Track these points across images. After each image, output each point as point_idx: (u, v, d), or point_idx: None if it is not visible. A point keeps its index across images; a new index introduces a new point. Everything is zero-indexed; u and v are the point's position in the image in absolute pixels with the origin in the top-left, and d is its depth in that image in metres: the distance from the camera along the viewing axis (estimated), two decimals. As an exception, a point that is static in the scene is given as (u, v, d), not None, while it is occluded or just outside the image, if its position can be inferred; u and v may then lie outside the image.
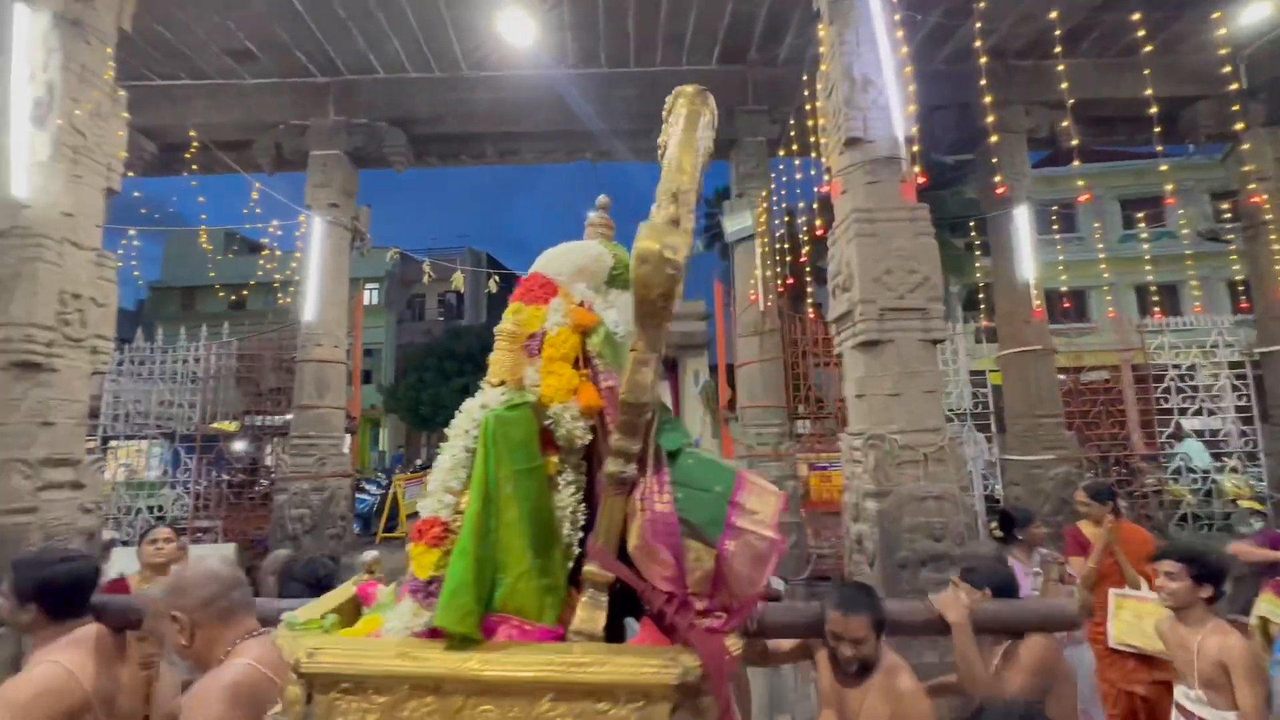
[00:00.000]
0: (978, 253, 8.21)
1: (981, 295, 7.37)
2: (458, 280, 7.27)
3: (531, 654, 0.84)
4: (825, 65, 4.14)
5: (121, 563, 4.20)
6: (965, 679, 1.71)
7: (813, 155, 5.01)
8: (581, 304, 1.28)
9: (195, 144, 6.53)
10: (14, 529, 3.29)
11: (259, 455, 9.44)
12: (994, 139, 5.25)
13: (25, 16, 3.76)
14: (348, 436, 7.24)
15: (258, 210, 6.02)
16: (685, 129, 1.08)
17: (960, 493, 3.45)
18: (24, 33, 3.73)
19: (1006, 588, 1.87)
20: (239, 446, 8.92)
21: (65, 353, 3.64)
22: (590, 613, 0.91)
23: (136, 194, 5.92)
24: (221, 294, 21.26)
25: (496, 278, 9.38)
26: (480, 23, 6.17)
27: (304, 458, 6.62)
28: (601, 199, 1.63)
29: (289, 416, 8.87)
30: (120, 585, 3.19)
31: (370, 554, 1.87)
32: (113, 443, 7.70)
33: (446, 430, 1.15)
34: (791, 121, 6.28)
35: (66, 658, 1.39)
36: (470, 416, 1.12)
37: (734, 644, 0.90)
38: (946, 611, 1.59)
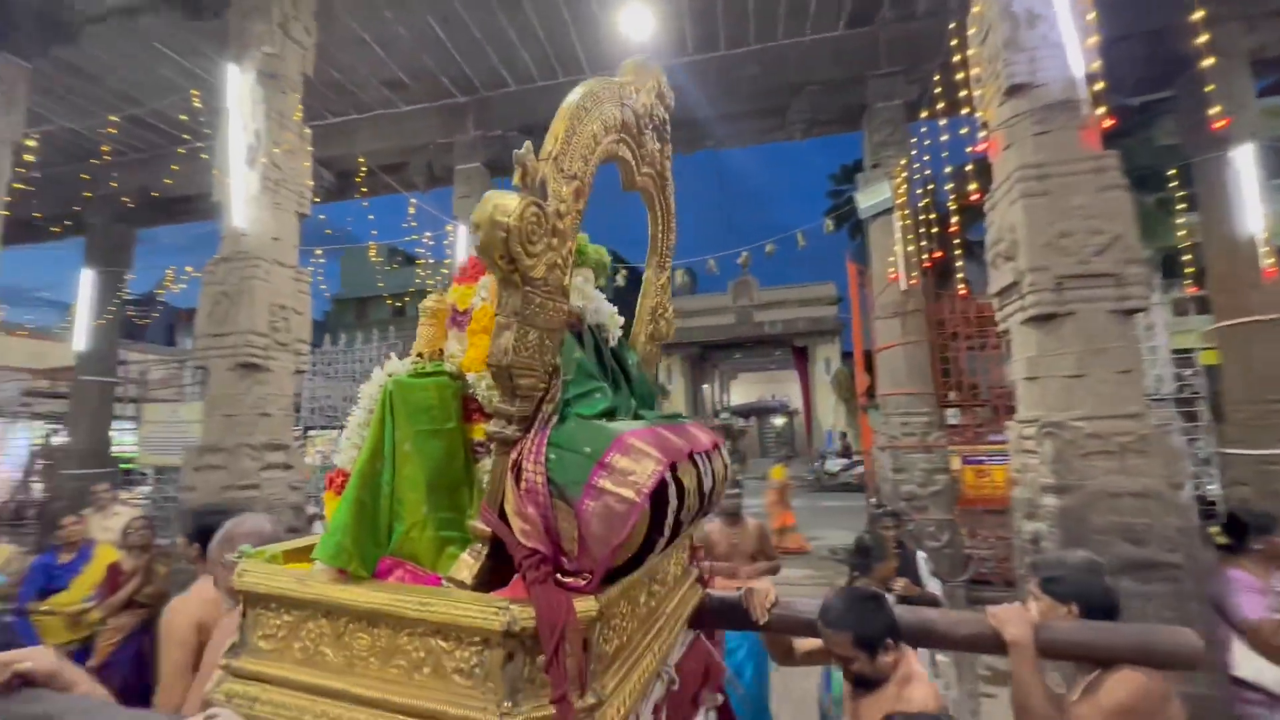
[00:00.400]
0: (1178, 208, 6.88)
1: (1186, 258, 6.16)
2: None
3: (399, 593, 0.92)
4: (978, 6, 3.68)
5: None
6: (1019, 710, 1.40)
7: (964, 112, 4.48)
8: None
9: (364, 169, 7.39)
10: (244, 501, 3.98)
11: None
12: (1208, 62, 4.32)
13: (237, 76, 4.50)
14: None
15: (414, 223, 6.70)
16: (577, 97, 1.05)
17: (1171, 490, 2.90)
18: (236, 90, 4.46)
19: (1102, 606, 1.49)
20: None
21: (276, 355, 4.32)
22: (463, 562, 0.95)
23: (320, 217, 6.84)
24: (389, 301, 24.09)
25: (625, 272, 9.62)
26: (601, 21, 6.31)
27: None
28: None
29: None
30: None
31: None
32: (311, 432, 9.04)
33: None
34: (936, 78, 5.69)
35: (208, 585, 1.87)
36: (376, 383, 1.20)
37: (587, 605, 0.88)
38: (1005, 627, 1.32)
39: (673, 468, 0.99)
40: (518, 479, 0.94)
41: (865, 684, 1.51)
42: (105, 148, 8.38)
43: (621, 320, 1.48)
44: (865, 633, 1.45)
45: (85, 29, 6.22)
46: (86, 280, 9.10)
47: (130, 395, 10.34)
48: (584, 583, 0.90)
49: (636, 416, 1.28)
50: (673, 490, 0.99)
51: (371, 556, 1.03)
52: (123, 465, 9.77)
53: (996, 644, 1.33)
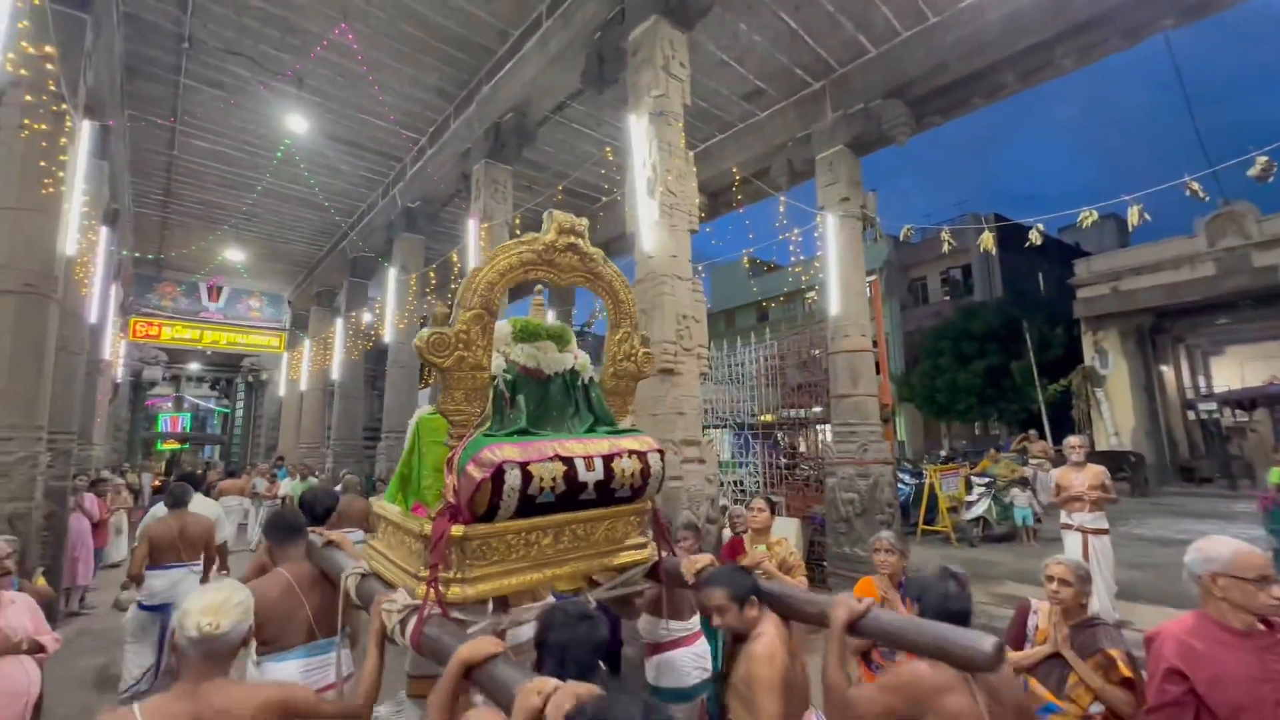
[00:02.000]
0: None
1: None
2: (986, 241, 6.24)
3: (408, 517, 2.04)
4: None
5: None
6: (824, 681, 1.67)
7: None
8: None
9: (736, 179, 7.81)
10: (671, 492, 4.48)
11: (795, 442, 10.68)
12: None
13: (635, 123, 5.24)
14: (883, 424, 7.19)
15: (784, 220, 6.70)
16: (506, 248, 1.95)
17: None
18: (636, 134, 5.19)
19: (945, 608, 1.65)
20: (781, 435, 10.28)
21: (684, 360, 4.80)
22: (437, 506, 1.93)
23: (701, 230, 7.46)
24: (755, 308, 25.65)
25: (1036, 233, 7.68)
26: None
27: (846, 444, 6.93)
28: (536, 299, 2.78)
29: (816, 409, 9.60)
30: (737, 543, 3.89)
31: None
32: (705, 432, 10.05)
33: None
34: None
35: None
36: (413, 417, 2.24)
37: (456, 529, 1.73)
38: (833, 609, 1.67)
39: (524, 463, 1.76)
40: (450, 468, 1.81)
41: (739, 638, 1.89)
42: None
43: (602, 357, 2.40)
44: (739, 592, 1.86)
45: (537, 132, 8.36)
46: (550, 320, 12.30)
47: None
48: (461, 519, 1.75)
49: (590, 430, 2.09)
50: (519, 475, 1.74)
51: (407, 501, 2.16)
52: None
53: (827, 622, 1.68)
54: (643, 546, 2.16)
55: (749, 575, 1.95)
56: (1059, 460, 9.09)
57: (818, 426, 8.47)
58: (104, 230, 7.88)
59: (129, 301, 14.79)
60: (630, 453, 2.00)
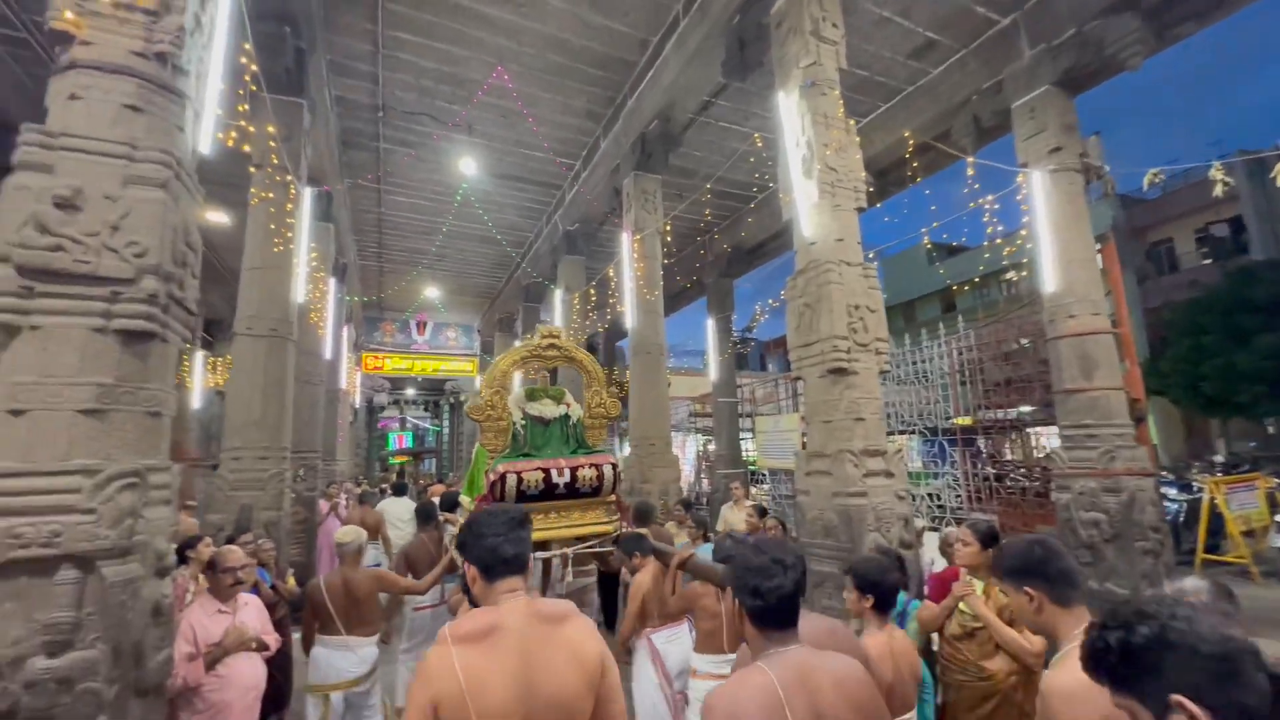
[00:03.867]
0: None
1: None
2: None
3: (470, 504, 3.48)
4: None
5: (931, 549, 4.36)
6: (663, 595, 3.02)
7: None
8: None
9: (910, 148, 6.83)
10: (854, 509, 3.85)
11: (1000, 448, 8.99)
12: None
13: (783, 101, 4.75)
14: (1135, 424, 5.63)
15: (975, 185, 5.61)
16: (512, 351, 3.42)
17: None
18: (786, 112, 4.69)
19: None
20: (984, 440, 8.72)
21: (859, 357, 4.15)
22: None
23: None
24: (939, 297, 22.80)
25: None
26: None
27: (1082, 450, 5.53)
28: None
29: (1025, 409, 7.97)
30: (950, 575, 3.13)
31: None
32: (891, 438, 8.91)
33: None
34: None
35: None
36: (475, 448, 3.61)
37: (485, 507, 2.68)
38: (677, 554, 2.58)
39: (519, 472, 3.03)
40: (486, 476, 3.13)
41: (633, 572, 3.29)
42: (707, 214, 10.88)
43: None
44: (627, 549, 3.12)
45: (683, 137, 8.19)
46: (709, 327, 12.01)
47: (746, 411, 12.98)
48: (488, 502, 2.99)
49: (574, 452, 3.33)
50: (514, 480, 2.99)
51: (472, 494, 3.47)
52: (750, 467, 12.23)
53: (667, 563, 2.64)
54: (608, 523, 3.29)
55: (640, 540, 3.07)
56: None
57: (1032, 429, 6.98)
58: (332, 281, 9.39)
59: (360, 340, 17.67)
60: (590, 465, 3.20)
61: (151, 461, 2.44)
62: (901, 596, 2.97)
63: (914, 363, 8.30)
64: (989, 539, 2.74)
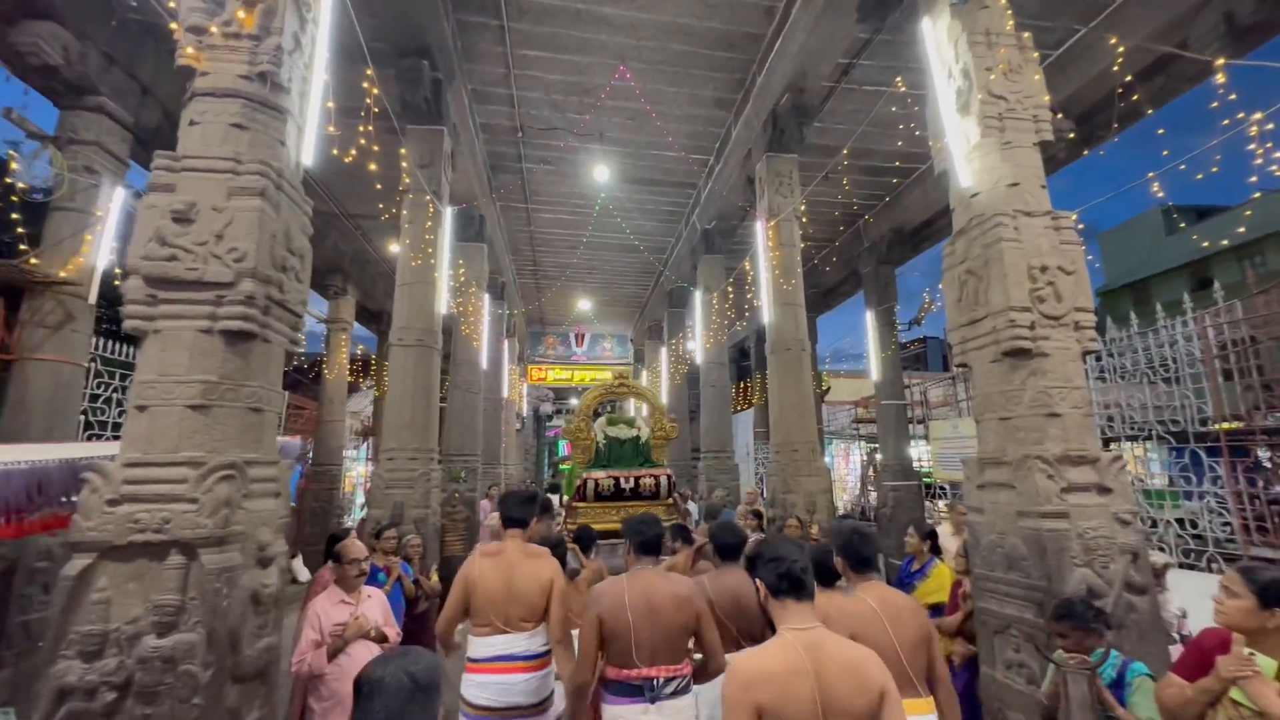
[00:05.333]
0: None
1: None
2: None
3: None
4: None
5: (1185, 594, 3.15)
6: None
7: None
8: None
9: (1119, 56, 5.31)
10: (1050, 535, 2.87)
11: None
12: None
13: (929, 30, 3.88)
14: None
15: (1227, 98, 4.06)
16: (592, 390, 7.02)
17: None
18: (931, 43, 3.82)
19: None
20: (1261, 451, 6.41)
21: (1049, 333, 3.15)
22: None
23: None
24: (1185, 273, 18.18)
25: None
26: None
27: None
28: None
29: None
30: (1220, 639, 2.10)
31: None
32: (1111, 446, 7.01)
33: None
34: None
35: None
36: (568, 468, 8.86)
37: (579, 503, 5.95)
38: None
39: (595, 480, 5.86)
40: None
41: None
42: (854, 198, 9.75)
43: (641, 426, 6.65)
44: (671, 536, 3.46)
45: (821, 109, 7.36)
46: (868, 321, 10.73)
47: (918, 417, 11.34)
48: (574, 500, 5.95)
49: (640, 465, 6.15)
50: (593, 484, 5.83)
51: (570, 494, 6.65)
52: (925, 479, 10.62)
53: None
54: (665, 520, 4.13)
55: (683, 530, 3.60)
56: None
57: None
58: (486, 297, 10.11)
59: (524, 353, 19.06)
60: (650, 475, 5.88)
61: (253, 455, 2.55)
62: (1115, 656, 2.21)
63: (1146, 349, 6.40)
64: (1273, 593, 1.75)
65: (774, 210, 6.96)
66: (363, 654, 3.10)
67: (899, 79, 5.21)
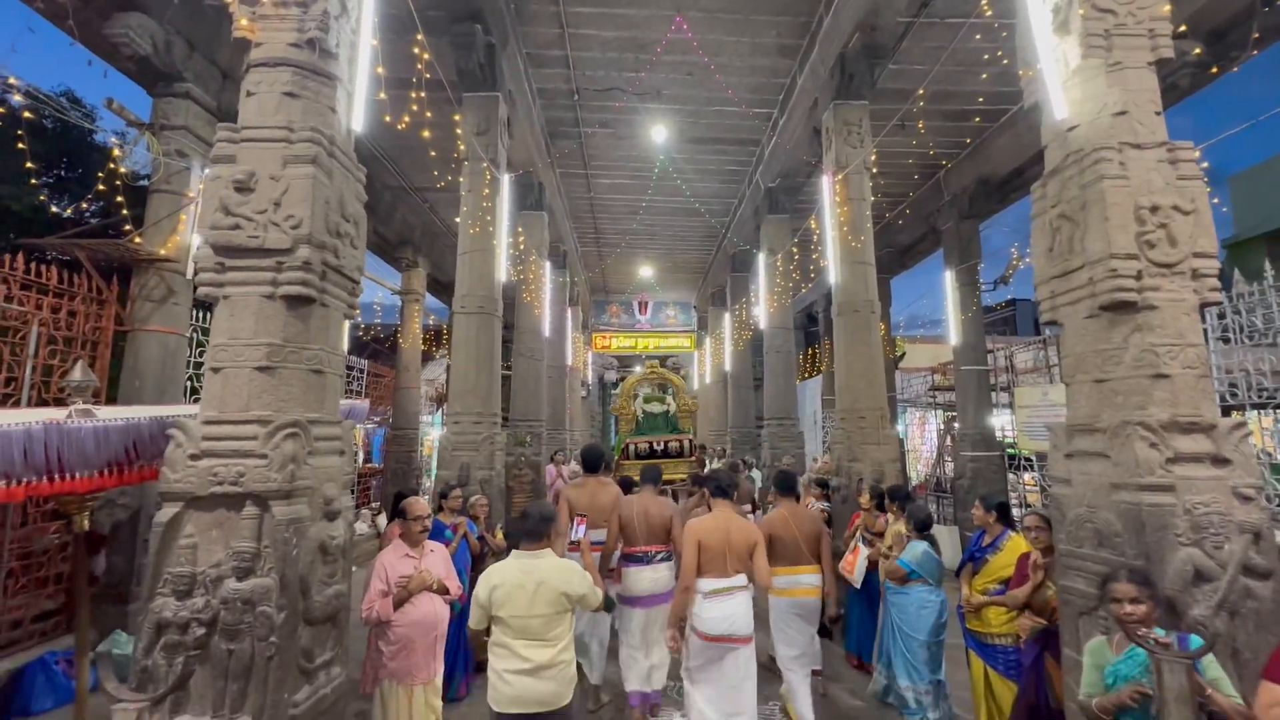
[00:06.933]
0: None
1: None
2: None
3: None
4: None
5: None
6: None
7: None
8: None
9: None
10: (1151, 511, 2.55)
11: None
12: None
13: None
14: None
15: None
16: (633, 377, 11.67)
17: None
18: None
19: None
20: None
21: (1158, 283, 2.74)
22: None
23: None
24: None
25: None
26: None
27: None
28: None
29: None
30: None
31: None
32: (1233, 414, 6.21)
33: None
34: None
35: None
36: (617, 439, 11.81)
37: (628, 461, 10.05)
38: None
39: (635, 444, 9.96)
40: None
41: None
42: (932, 147, 8.97)
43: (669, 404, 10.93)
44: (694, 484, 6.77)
45: (895, 49, 6.73)
46: (947, 281, 9.98)
47: (1002, 384, 10.54)
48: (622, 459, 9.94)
49: (669, 431, 10.48)
50: (634, 447, 9.87)
51: (618, 453, 10.26)
52: (1009, 450, 9.91)
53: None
54: (686, 473, 9.07)
55: (704, 479, 5.28)
56: None
57: None
58: (547, 265, 10.20)
59: (590, 321, 19.24)
60: (676, 440, 10.21)
61: (315, 415, 2.67)
62: (1195, 639, 2.00)
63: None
64: None
65: (842, 162, 6.52)
66: (426, 604, 3.25)
67: (984, 2, 4.62)
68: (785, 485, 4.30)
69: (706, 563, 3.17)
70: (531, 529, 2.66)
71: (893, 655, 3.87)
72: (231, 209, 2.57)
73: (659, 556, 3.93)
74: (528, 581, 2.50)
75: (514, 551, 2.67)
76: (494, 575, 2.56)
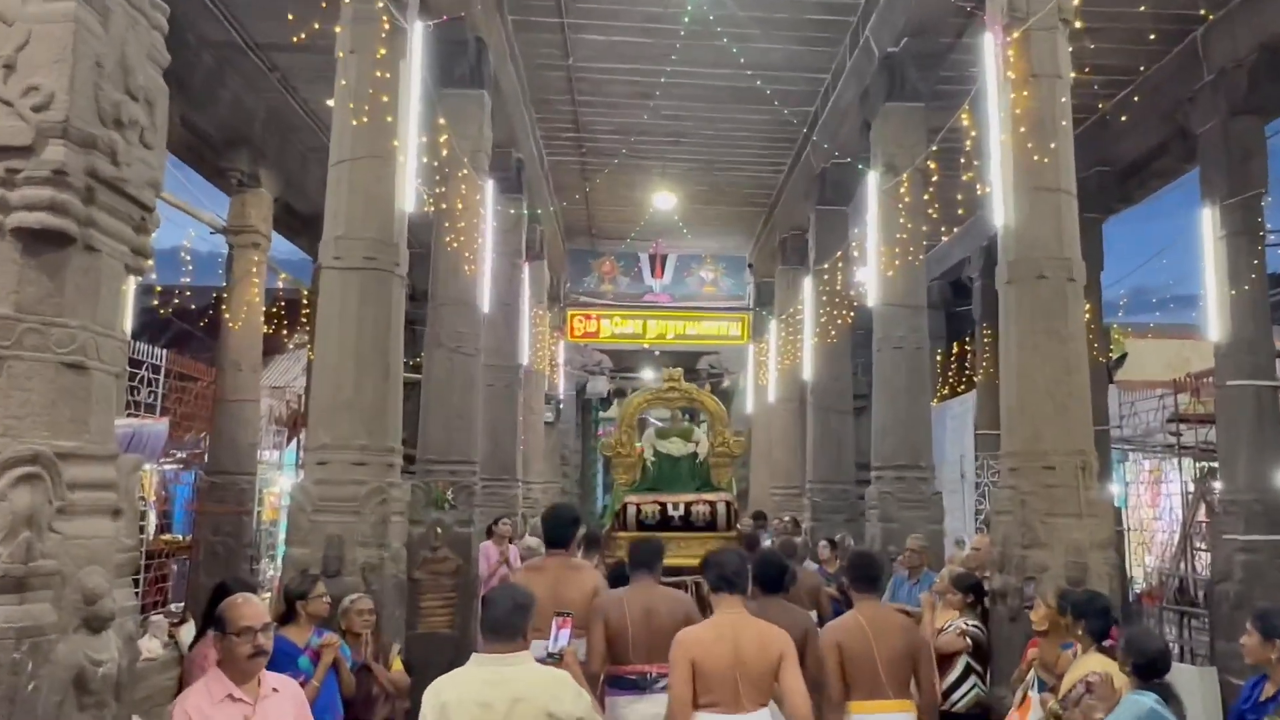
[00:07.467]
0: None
1: None
2: None
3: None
4: None
5: None
6: None
7: None
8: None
9: None
10: None
11: None
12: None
13: None
14: None
15: None
16: (638, 394, 11.77)
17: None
18: None
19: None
20: None
21: None
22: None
23: None
24: None
25: None
26: None
27: None
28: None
29: None
30: None
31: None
32: None
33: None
34: None
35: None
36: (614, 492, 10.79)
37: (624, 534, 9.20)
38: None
39: (639, 505, 9.06)
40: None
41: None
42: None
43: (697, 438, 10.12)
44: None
45: None
46: (1205, 224, 9.93)
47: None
48: (614, 529, 9.30)
49: (698, 489, 9.44)
50: (634, 510, 9.05)
51: (608, 523, 9.89)
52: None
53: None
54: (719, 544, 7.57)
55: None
56: None
57: None
58: (489, 186, 10.25)
59: (563, 289, 19.35)
60: (704, 502, 9.15)
61: (71, 443, 2.65)
62: None
63: None
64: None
65: (1020, 10, 6.49)
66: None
67: None
68: (863, 572, 4.53)
69: (706, 691, 3.41)
70: (501, 622, 2.85)
71: None
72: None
73: (663, 683, 4.08)
74: (497, 699, 2.66)
75: (475, 656, 2.84)
76: (444, 690, 2.75)
